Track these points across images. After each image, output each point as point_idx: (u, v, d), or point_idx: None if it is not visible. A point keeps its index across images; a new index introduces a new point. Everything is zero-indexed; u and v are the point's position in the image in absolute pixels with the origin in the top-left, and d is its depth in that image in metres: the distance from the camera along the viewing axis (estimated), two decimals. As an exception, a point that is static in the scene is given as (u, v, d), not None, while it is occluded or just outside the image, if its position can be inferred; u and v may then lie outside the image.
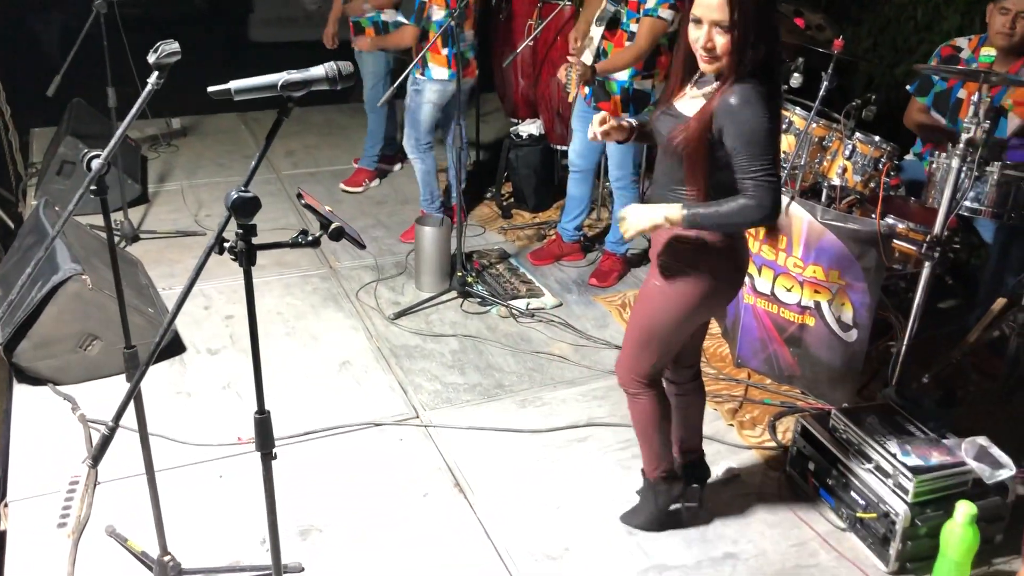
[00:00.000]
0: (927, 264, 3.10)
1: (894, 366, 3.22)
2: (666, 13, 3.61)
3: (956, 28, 5.02)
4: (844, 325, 3.25)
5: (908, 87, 4.04)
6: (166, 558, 2.41)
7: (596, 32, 3.85)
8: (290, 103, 1.72)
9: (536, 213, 5.19)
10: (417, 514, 2.82)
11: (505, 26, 5.47)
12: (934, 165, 3.27)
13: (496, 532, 2.75)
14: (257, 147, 6.18)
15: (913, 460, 2.63)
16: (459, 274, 4.17)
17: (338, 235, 1.77)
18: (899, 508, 2.58)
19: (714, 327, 3.96)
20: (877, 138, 3.32)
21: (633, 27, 3.72)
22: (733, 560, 2.68)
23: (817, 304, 3.30)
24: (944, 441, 2.75)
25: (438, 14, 4.17)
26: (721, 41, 2.11)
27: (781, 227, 3.29)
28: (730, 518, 2.85)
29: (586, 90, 4.05)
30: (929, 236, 3.08)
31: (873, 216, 3.14)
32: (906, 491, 2.58)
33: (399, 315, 4.01)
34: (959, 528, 2.50)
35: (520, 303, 4.11)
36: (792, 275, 3.32)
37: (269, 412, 1.89)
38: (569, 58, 3.71)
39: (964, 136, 2.95)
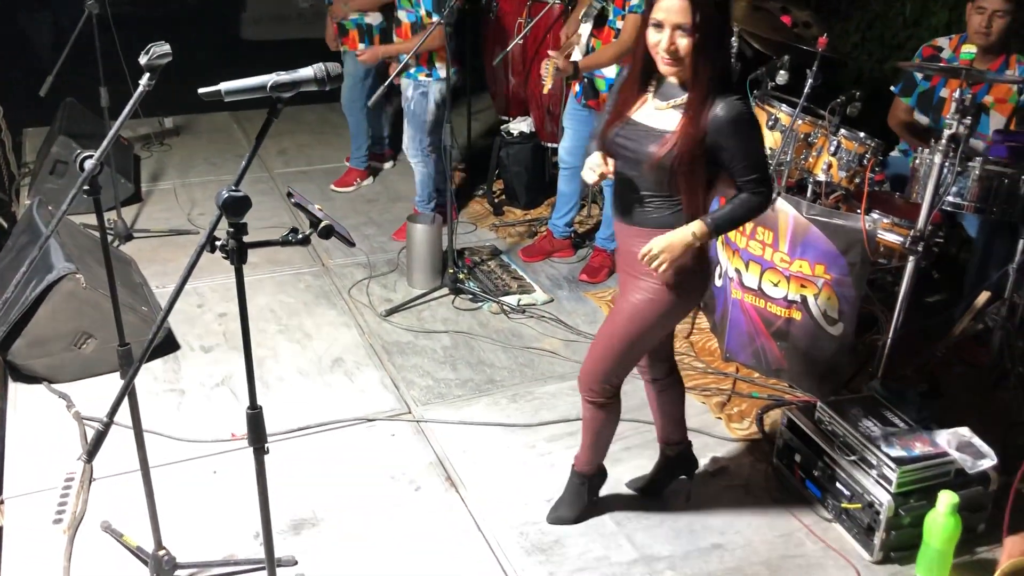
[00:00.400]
0: (911, 258, 3.15)
1: (879, 359, 3.27)
2: None
3: (944, 24, 5.07)
4: (830, 319, 3.30)
5: (892, 88, 4.09)
6: (161, 552, 2.44)
7: (584, 29, 3.88)
8: (280, 104, 1.75)
9: (527, 210, 5.23)
10: (409, 508, 2.86)
11: (495, 24, 5.49)
12: (918, 161, 3.32)
13: (487, 525, 2.79)
14: (249, 146, 6.18)
15: (897, 451, 2.67)
16: (451, 271, 4.21)
17: (327, 233, 1.80)
18: (883, 498, 2.62)
19: (702, 322, 4.00)
20: (862, 134, 3.36)
21: (620, 24, 3.75)
22: (720, 551, 2.73)
23: (803, 298, 3.35)
24: (927, 432, 2.80)
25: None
26: (684, 43, 2.13)
27: (767, 222, 3.33)
28: (717, 510, 2.90)
29: (576, 88, 4.08)
30: (913, 231, 3.13)
31: (858, 211, 3.19)
32: (890, 481, 2.63)
33: (391, 312, 4.04)
34: (942, 517, 2.55)
35: (511, 299, 4.15)
36: (779, 270, 3.37)
37: (261, 408, 1.93)
38: (549, 52, 3.76)
39: (946, 132, 3.00)
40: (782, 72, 3.47)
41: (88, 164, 1.93)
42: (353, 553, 2.66)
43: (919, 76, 3.94)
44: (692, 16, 2.10)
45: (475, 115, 6.02)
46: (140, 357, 1.71)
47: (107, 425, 1.68)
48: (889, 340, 3.24)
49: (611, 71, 3.86)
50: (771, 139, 3.42)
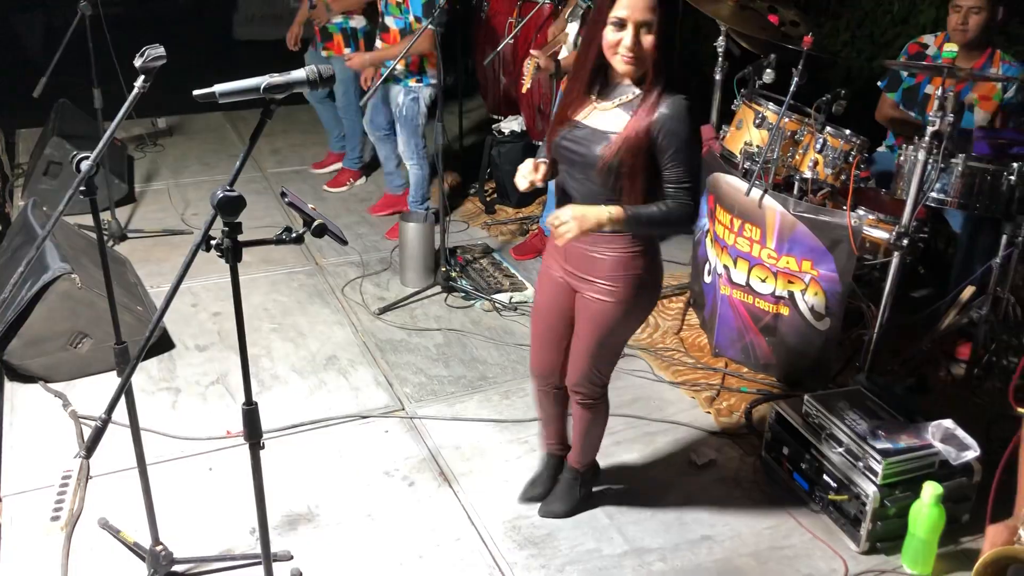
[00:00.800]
0: (896, 254, 3.19)
1: (866, 353, 3.31)
2: None
3: (931, 21, 5.12)
4: (817, 314, 3.34)
5: (879, 83, 4.14)
6: (158, 548, 2.48)
7: (571, 28, 3.93)
8: (273, 105, 1.78)
9: (519, 208, 5.26)
10: (403, 503, 2.90)
11: (486, 24, 5.53)
12: (902, 158, 3.36)
13: (480, 519, 2.83)
14: (242, 146, 6.21)
15: (882, 443, 2.72)
16: (443, 269, 4.25)
17: (321, 232, 1.84)
18: (869, 490, 2.67)
19: (692, 318, 4.05)
20: (848, 132, 3.41)
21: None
22: (710, 542, 2.77)
23: (791, 294, 3.39)
24: (913, 425, 2.84)
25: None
26: (648, 41, 2.11)
27: (755, 219, 3.38)
28: (707, 502, 2.94)
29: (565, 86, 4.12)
30: (898, 227, 3.17)
31: (844, 208, 3.23)
32: (876, 473, 2.67)
33: (384, 310, 4.08)
34: (926, 508, 2.60)
35: (503, 297, 4.18)
36: (766, 266, 3.41)
37: (257, 403, 1.96)
38: (532, 51, 3.80)
39: (929, 129, 3.05)
40: (769, 71, 3.50)
41: (84, 165, 1.96)
42: (348, 548, 2.70)
43: (904, 72, 3.99)
44: (656, 13, 2.09)
45: (466, 114, 6.04)
46: (137, 354, 1.74)
47: (105, 421, 1.72)
48: (875, 335, 3.29)
49: None
50: (758, 137, 3.46)
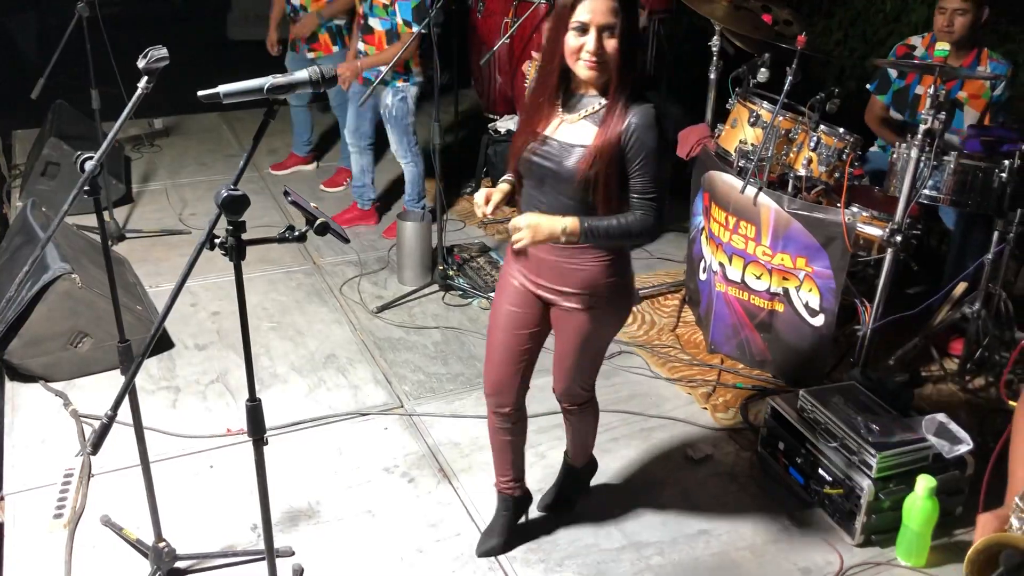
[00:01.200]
0: (890, 250, 3.23)
1: (860, 349, 3.35)
2: None
3: (923, 20, 5.16)
4: (812, 311, 3.38)
5: (868, 86, 4.18)
6: (161, 544, 2.50)
7: None
8: (276, 105, 1.81)
9: (515, 208, 5.27)
10: (403, 499, 2.92)
11: (482, 24, 5.56)
12: (895, 156, 3.40)
13: (480, 514, 2.85)
14: (239, 146, 6.26)
15: (876, 437, 2.75)
16: (440, 268, 4.27)
17: (323, 230, 1.86)
18: (863, 483, 2.70)
19: (688, 315, 4.08)
20: (841, 130, 3.44)
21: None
22: (707, 536, 2.80)
23: (786, 291, 3.43)
24: (906, 419, 2.88)
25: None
26: (611, 45, 2.06)
27: (750, 216, 3.41)
28: (704, 497, 2.97)
29: None
30: (891, 224, 3.21)
31: (838, 205, 3.27)
32: (870, 467, 2.70)
33: (382, 308, 4.10)
34: (920, 501, 2.63)
35: (500, 295, 4.20)
36: (761, 263, 3.45)
37: (260, 400, 1.99)
38: (533, 53, 3.82)
39: (922, 127, 3.08)
40: (763, 70, 3.54)
41: (88, 165, 1.98)
42: (349, 543, 2.72)
43: (894, 74, 4.03)
44: (619, 16, 2.05)
45: (462, 114, 6.07)
46: (143, 351, 1.77)
47: (111, 418, 1.74)
48: (869, 330, 3.32)
49: None
50: (752, 135, 3.49)
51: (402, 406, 3.41)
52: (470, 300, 4.21)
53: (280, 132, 6.41)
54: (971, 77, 3.70)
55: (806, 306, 3.39)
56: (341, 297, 4.23)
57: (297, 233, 1.87)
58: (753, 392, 3.51)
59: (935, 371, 3.68)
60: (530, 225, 2.17)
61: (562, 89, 2.22)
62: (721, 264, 3.60)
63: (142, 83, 1.96)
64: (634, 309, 4.13)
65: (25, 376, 3.42)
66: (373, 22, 4.33)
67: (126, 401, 1.79)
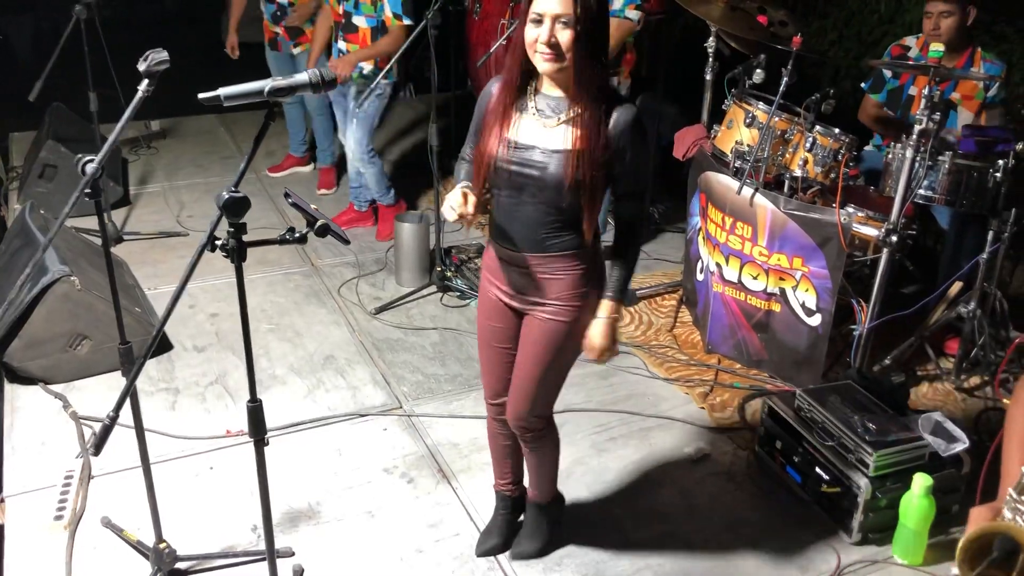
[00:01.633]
0: (885, 250, 3.25)
1: (856, 348, 3.37)
2: (632, 14, 3.76)
3: (918, 20, 5.17)
4: (808, 310, 3.40)
5: (862, 85, 4.20)
6: (162, 545, 2.50)
7: None
8: (276, 107, 1.82)
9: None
10: (403, 499, 2.93)
11: (478, 25, 5.57)
12: (890, 156, 3.42)
13: (479, 514, 2.86)
14: (236, 148, 6.27)
15: (873, 436, 2.76)
16: (438, 269, 4.29)
17: (324, 232, 1.87)
18: (860, 482, 2.72)
19: (685, 316, 4.09)
20: (837, 130, 3.46)
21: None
22: (704, 535, 2.82)
23: (782, 291, 3.45)
24: (903, 418, 2.89)
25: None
26: (565, 36, 1.99)
27: (746, 217, 3.43)
28: (702, 496, 2.99)
29: None
30: (887, 223, 3.23)
31: (834, 205, 3.28)
32: (867, 465, 2.72)
33: (380, 310, 4.11)
34: (917, 499, 2.65)
35: (498, 296, 4.22)
36: (758, 263, 3.46)
37: (261, 400, 2.00)
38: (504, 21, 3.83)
39: (917, 128, 3.10)
40: (759, 71, 3.55)
41: (90, 168, 1.99)
42: (349, 544, 2.74)
43: (888, 74, 4.06)
44: (573, 7, 1.97)
45: (459, 115, 6.08)
46: (145, 353, 1.78)
47: (113, 419, 1.76)
48: (865, 330, 3.34)
49: None
50: (748, 136, 3.51)
51: (401, 407, 3.42)
52: (468, 301, 4.23)
53: (276, 133, 6.41)
54: (965, 78, 3.72)
55: (803, 306, 3.41)
56: (339, 298, 4.24)
57: (298, 235, 1.88)
58: (750, 392, 3.53)
59: (931, 370, 3.70)
60: (601, 345, 2.27)
61: (527, 89, 2.16)
62: (718, 264, 3.62)
63: (143, 86, 1.97)
64: (632, 309, 4.15)
65: (24, 378, 3.42)
66: (358, 20, 4.28)
67: (126, 403, 1.80)
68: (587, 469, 3.07)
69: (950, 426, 2.84)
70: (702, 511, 2.92)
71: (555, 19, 1.99)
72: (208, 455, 3.11)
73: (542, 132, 2.13)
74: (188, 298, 4.14)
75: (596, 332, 2.26)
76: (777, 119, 3.42)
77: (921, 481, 2.65)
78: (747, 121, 3.51)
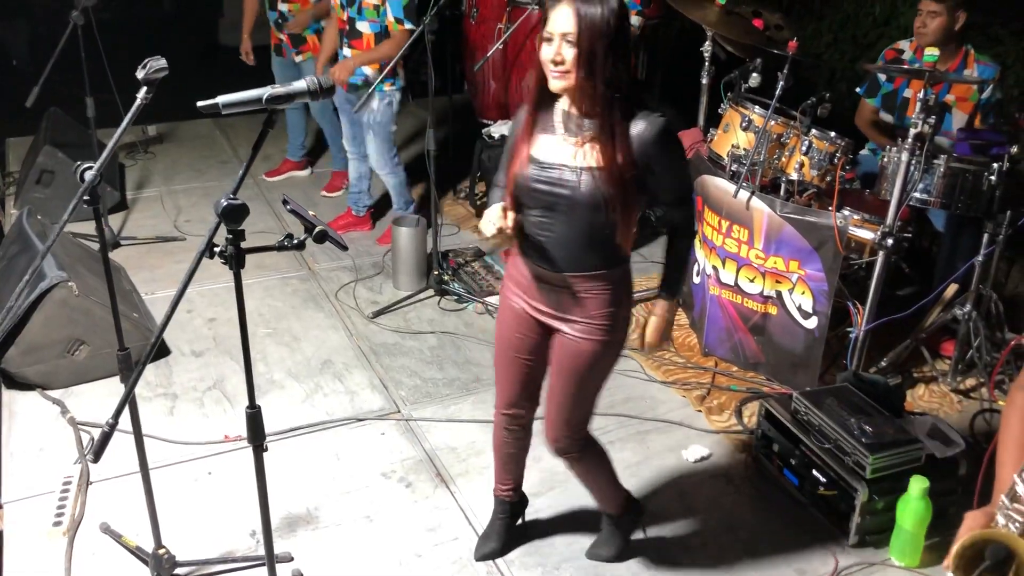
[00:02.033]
0: (881, 253, 3.26)
1: (852, 351, 3.38)
2: (634, 20, 3.76)
3: (912, 23, 5.20)
4: (804, 313, 3.41)
5: (857, 90, 4.22)
6: (161, 551, 2.51)
7: None
8: (275, 115, 1.82)
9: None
10: (401, 504, 2.94)
11: (475, 30, 5.57)
12: (886, 159, 3.44)
13: (477, 518, 2.87)
14: (233, 152, 6.28)
15: (870, 439, 2.77)
16: (435, 272, 4.29)
17: (322, 238, 1.88)
18: (857, 484, 2.73)
19: (682, 319, 4.10)
20: (832, 134, 3.47)
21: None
22: (702, 538, 2.83)
23: (779, 294, 3.46)
24: (899, 420, 2.90)
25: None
26: (570, 53, 2.01)
27: (743, 220, 3.44)
28: (699, 499, 3.00)
29: None
30: (883, 226, 3.24)
31: (830, 208, 3.30)
32: (864, 468, 2.73)
33: (378, 314, 4.12)
34: (913, 501, 2.66)
35: (495, 299, 4.23)
36: (754, 266, 3.47)
37: (260, 407, 2.01)
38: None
39: (912, 131, 3.12)
40: (755, 74, 3.57)
41: (89, 175, 1.99)
42: (348, 549, 2.74)
43: (883, 78, 4.07)
44: (578, 24, 1.99)
45: (456, 119, 6.09)
46: (144, 359, 1.78)
47: (112, 426, 1.76)
48: (862, 332, 3.35)
49: None
50: (745, 139, 3.53)
51: (399, 411, 3.43)
52: (465, 305, 4.23)
53: (272, 138, 6.38)
54: (959, 82, 3.74)
55: (799, 309, 3.42)
56: (337, 303, 4.24)
57: (296, 241, 1.89)
58: (747, 394, 3.54)
59: (927, 372, 3.71)
60: (657, 336, 2.42)
61: (546, 107, 2.17)
62: (715, 268, 3.63)
63: (141, 93, 1.98)
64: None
65: (22, 384, 3.43)
66: (362, 26, 4.27)
67: (125, 409, 1.81)
68: (585, 473, 3.07)
69: (946, 428, 2.86)
70: (699, 514, 2.93)
71: (563, 37, 2.02)
72: (206, 460, 3.11)
73: (569, 150, 2.12)
74: (185, 303, 4.14)
75: (650, 328, 2.40)
76: (773, 123, 3.44)
77: (917, 483, 2.66)
78: (743, 125, 3.52)
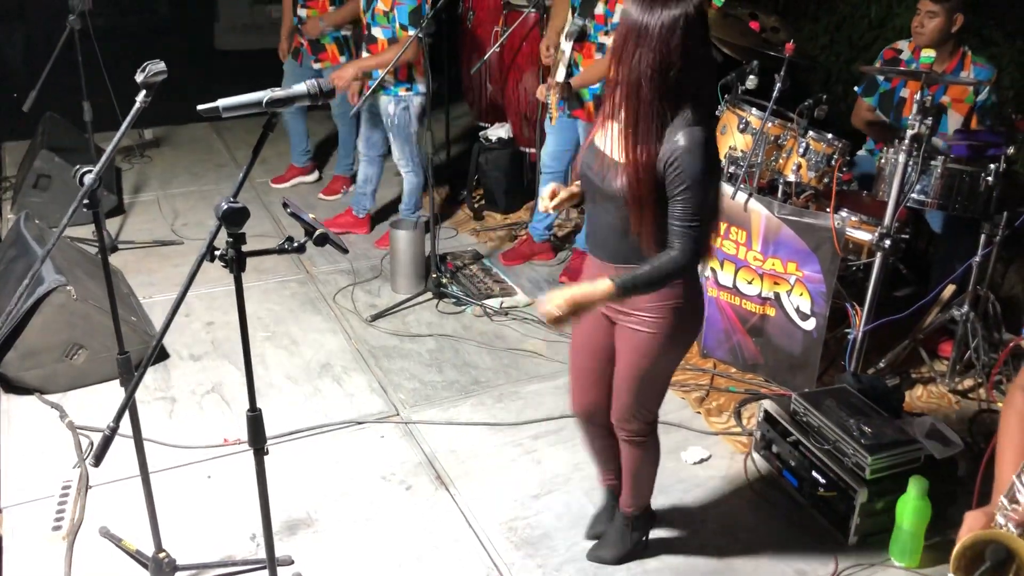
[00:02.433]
0: (879, 254, 3.27)
1: (851, 352, 3.39)
2: None
3: (908, 25, 5.21)
4: (803, 314, 3.41)
5: (855, 88, 4.23)
6: (161, 555, 2.50)
7: (567, 47, 4.00)
8: (274, 119, 1.83)
9: (506, 214, 5.32)
10: (401, 507, 2.94)
11: (472, 33, 5.59)
12: (883, 160, 3.45)
13: (477, 521, 2.87)
14: (230, 156, 6.27)
15: (869, 440, 2.78)
16: (434, 276, 4.29)
17: (323, 241, 1.88)
18: (857, 485, 2.73)
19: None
20: (830, 135, 3.49)
21: (601, 39, 3.87)
22: (702, 540, 2.83)
23: (777, 295, 3.46)
24: (898, 421, 2.91)
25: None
26: (621, 73, 2.06)
27: (741, 222, 3.45)
28: (699, 500, 3.00)
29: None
30: (880, 228, 3.25)
31: (827, 210, 3.30)
32: (863, 469, 2.73)
33: (376, 317, 4.12)
34: (912, 502, 2.67)
35: (494, 302, 4.23)
36: (752, 268, 3.48)
37: (261, 410, 2.01)
38: (548, 80, 3.87)
39: (909, 133, 3.13)
40: (752, 77, 3.58)
41: (88, 179, 2.00)
42: (347, 551, 2.74)
43: (880, 78, 4.08)
44: (626, 39, 2.03)
45: (453, 122, 6.10)
46: (145, 363, 1.78)
47: (113, 430, 1.76)
48: (860, 333, 3.36)
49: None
50: (742, 142, 3.54)
51: (398, 414, 3.43)
52: (464, 307, 4.23)
53: (270, 141, 6.37)
54: (956, 84, 3.75)
55: (797, 310, 3.43)
56: (335, 306, 4.24)
57: (296, 244, 1.89)
58: (746, 396, 3.55)
59: (925, 373, 3.72)
60: (567, 300, 2.13)
61: None
62: (713, 269, 3.64)
63: (140, 97, 1.98)
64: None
65: (20, 389, 3.42)
66: (376, 31, 4.34)
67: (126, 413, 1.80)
68: (584, 475, 3.07)
69: (945, 429, 2.86)
70: (699, 516, 2.93)
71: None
72: (206, 464, 3.11)
73: (611, 138, 2.17)
74: (184, 307, 4.11)
75: (566, 292, 2.16)
76: (770, 124, 3.45)
77: (917, 484, 2.66)
78: (740, 127, 3.54)
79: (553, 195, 2.31)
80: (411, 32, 4.16)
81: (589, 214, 2.30)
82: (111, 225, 4.92)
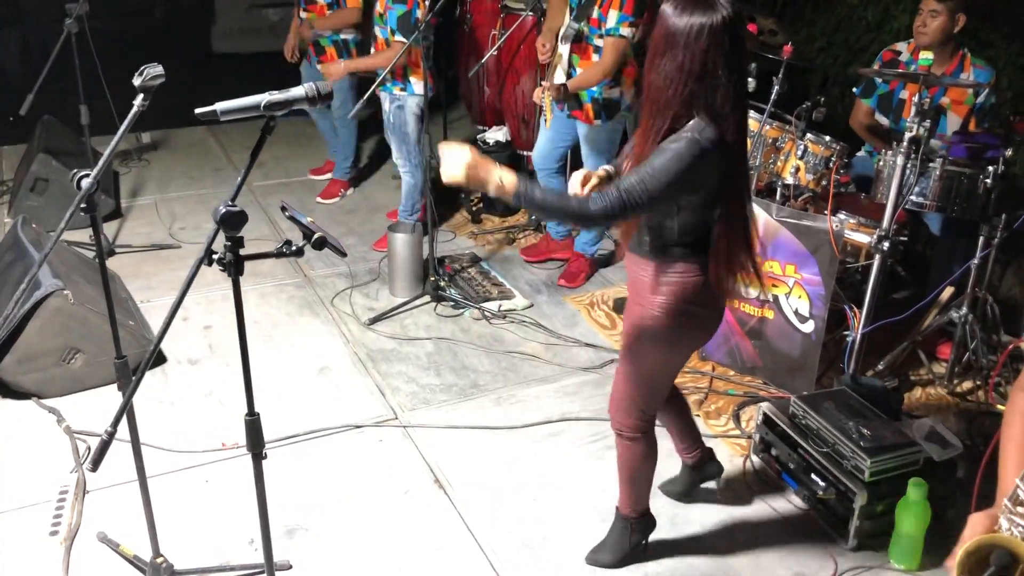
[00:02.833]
0: (877, 256, 3.27)
1: (849, 354, 3.39)
2: (626, 31, 3.79)
3: (904, 27, 5.22)
4: (801, 317, 3.41)
5: (854, 90, 4.23)
6: (159, 560, 2.50)
7: (564, 49, 4.00)
8: (272, 121, 1.82)
9: (504, 217, 5.31)
10: (399, 511, 2.93)
11: (469, 36, 5.59)
12: (881, 163, 3.45)
13: (476, 525, 2.86)
14: (227, 159, 6.27)
15: (868, 442, 2.77)
16: (432, 279, 4.29)
17: (321, 244, 1.88)
18: (856, 488, 2.73)
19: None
20: (828, 138, 3.49)
21: (597, 41, 3.88)
22: (702, 542, 2.82)
23: (775, 298, 3.46)
24: (897, 423, 2.91)
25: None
26: (652, 76, 2.13)
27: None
28: (698, 503, 2.99)
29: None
30: (878, 230, 3.25)
31: (826, 212, 3.30)
32: (862, 471, 2.73)
33: (374, 320, 4.11)
34: (912, 504, 2.66)
35: (492, 305, 4.23)
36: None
37: (259, 414, 2.00)
38: (543, 83, 3.87)
39: (908, 135, 3.13)
40: (749, 79, 3.57)
41: (86, 183, 1.99)
42: (346, 556, 2.73)
43: (879, 79, 4.09)
44: (657, 43, 2.09)
45: (451, 125, 6.10)
46: (143, 366, 1.78)
47: (111, 435, 1.75)
48: (858, 336, 3.36)
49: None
50: (741, 144, 3.53)
51: (396, 418, 3.42)
52: (462, 311, 4.23)
53: (267, 144, 6.39)
54: (955, 85, 3.75)
55: (795, 313, 3.43)
56: (333, 309, 4.23)
57: (295, 248, 1.88)
58: (745, 399, 3.54)
59: (924, 375, 3.72)
60: (468, 164, 2.02)
61: None
62: (711, 272, 3.63)
63: (138, 100, 1.97)
64: (623, 316, 4.15)
65: (17, 393, 3.41)
66: (376, 30, 4.43)
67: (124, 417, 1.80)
68: (585, 478, 3.07)
69: (944, 431, 2.86)
70: (698, 518, 2.92)
71: None
72: (204, 468, 3.10)
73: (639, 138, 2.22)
74: (181, 310, 4.08)
75: (474, 155, 2.04)
76: (768, 127, 3.45)
77: (916, 487, 2.66)
78: (738, 129, 3.53)
79: (585, 180, 2.28)
80: (397, 38, 4.22)
81: None
82: (108, 229, 4.91)
